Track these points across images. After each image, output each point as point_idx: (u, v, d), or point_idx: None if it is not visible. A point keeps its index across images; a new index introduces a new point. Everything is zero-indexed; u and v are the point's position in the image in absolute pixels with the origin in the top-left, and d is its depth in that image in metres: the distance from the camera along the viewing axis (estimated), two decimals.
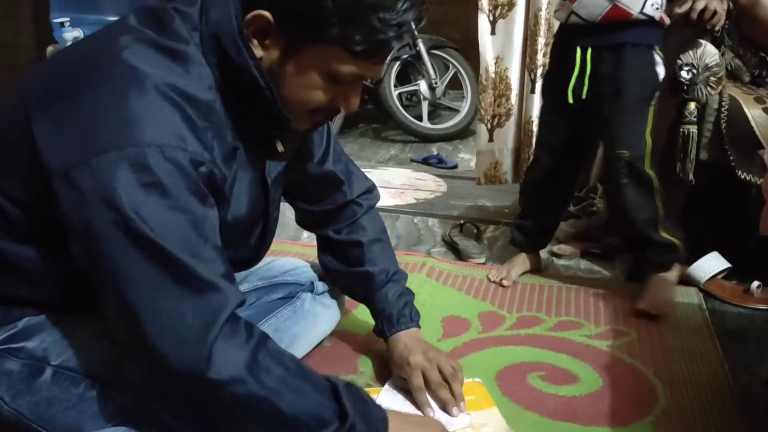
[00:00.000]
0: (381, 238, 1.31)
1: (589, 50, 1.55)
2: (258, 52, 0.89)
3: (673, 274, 1.65)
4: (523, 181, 1.89)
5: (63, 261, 0.89)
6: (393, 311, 1.26)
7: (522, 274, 1.83)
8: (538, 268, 1.86)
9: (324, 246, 1.32)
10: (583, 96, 1.58)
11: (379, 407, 0.96)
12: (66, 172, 0.80)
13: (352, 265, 1.29)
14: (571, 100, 1.59)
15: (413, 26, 0.89)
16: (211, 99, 0.88)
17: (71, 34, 2.91)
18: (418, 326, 1.28)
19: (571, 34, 1.58)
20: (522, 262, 1.83)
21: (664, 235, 1.62)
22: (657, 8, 1.50)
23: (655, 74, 1.55)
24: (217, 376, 0.80)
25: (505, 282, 1.78)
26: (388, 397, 1.22)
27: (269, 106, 0.92)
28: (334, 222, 1.29)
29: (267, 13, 0.86)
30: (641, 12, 1.48)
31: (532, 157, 1.87)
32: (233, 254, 1.07)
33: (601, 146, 1.85)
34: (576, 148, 1.71)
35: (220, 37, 0.89)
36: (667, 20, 1.54)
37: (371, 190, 1.32)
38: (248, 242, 1.10)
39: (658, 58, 1.54)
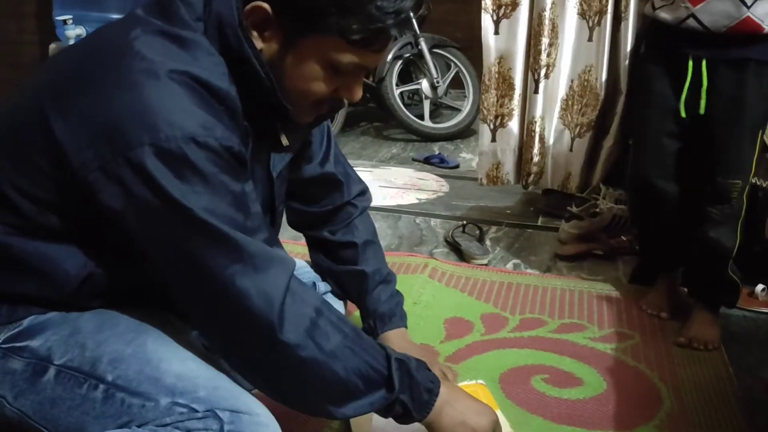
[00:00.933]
0: (373, 240, 1.35)
1: (704, 62, 1.38)
2: (258, 44, 0.89)
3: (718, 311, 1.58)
4: (640, 225, 1.69)
5: (72, 257, 0.89)
6: (385, 310, 1.29)
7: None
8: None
9: (316, 246, 1.34)
10: (701, 111, 1.41)
11: (429, 379, 0.98)
12: (102, 166, 0.81)
13: (345, 264, 1.32)
14: (683, 114, 1.42)
15: (413, 17, 0.89)
16: (225, 87, 0.88)
17: (74, 32, 2.91)
18: (406, 327, 1.32)
19: (680, 40, 1.39)
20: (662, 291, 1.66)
21: (731, 273, 1.52)
22: None
23: None
24: (287, 339, 0.85)
25: (663, 314, 1.62)
26: None
27: (270, 96, 0.92)
28: (330, 223, 1.31)
29: (266, 5, 0.87)
30: None
31: (636, 193, 1.64)
32: None
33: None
34: (691, 166, 1.49)
35: (222, 28, 0.89)
36: None
37: (365, 192, 1.35)
38: None
39: None
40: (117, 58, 0.86)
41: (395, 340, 1.25)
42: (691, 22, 1.35)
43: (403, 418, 0.97)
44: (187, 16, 0.90)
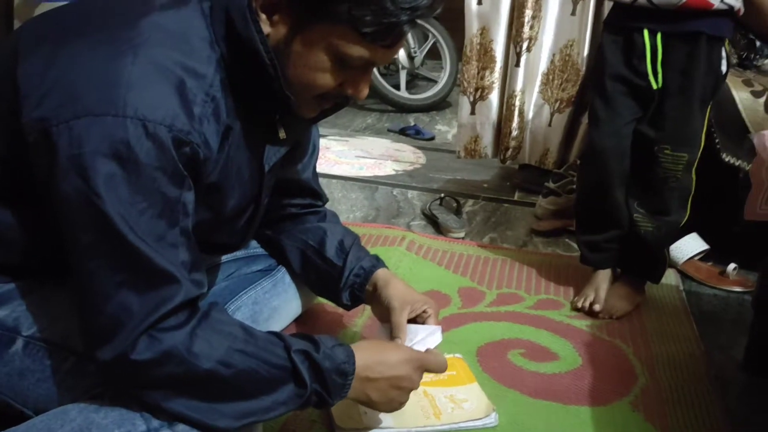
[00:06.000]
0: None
1: (659, 35, 1.41)
2: (266, 28, 0.86)
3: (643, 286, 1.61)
4: (581, 187, 1.65)
5: (39, 225, 0.85)
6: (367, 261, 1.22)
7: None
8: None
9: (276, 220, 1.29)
10: (658, 84, 1.43)
11: (341, 360, 0.91)
12: (45, 129, 0.77)
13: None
14: (655, 85, 1.44)
15: (427, 14, 0.85)
16: (211, 73, 0.85)
17: None
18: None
19: (637, 16, 1.42)
20: (604, 278, 1.60)
21: (666, 252, 1.56)
22: None
23: (720, 71, 1.44)
24: (140, 357, 0.78)
25: (596, 307, 1.54)
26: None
27: (272, 84, 0.88)
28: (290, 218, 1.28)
29: None
30: (722, 1, 1.35)
31: (585, 157, 1.62)
32: (218, 238, 1.04)
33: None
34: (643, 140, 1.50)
35: (229, 9, 0.85)
36: (742, 10, 1.41)
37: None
38: (235, 226, 1.06)
39: (724, 53, 1.43)
40: (111, 21, 0.83)
41: (395, 281, 1.18)
42: (642, 0, 1.39)
43: (321, 406, 0.92)
44: None
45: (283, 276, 1.30)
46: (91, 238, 0.78)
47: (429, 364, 1.00)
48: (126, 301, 0.78)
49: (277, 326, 1.29)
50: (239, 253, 1.30)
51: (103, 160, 0.75)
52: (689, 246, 1.77)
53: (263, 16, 0.85)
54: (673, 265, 1.75)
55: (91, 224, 0.77)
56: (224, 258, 1.29)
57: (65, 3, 0.92)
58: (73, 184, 0.76)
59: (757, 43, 1.80)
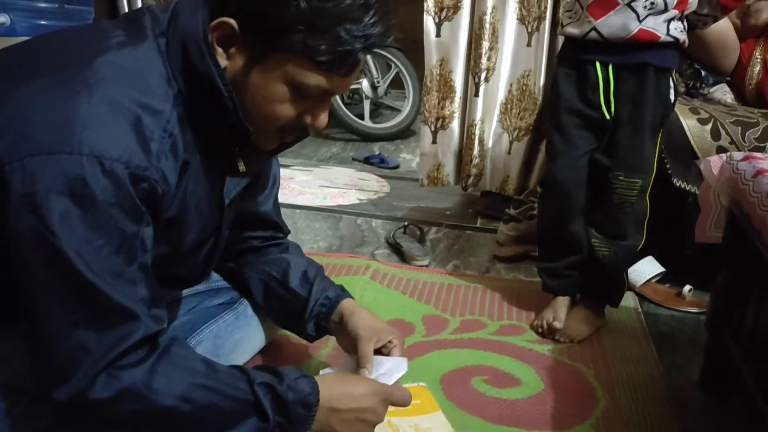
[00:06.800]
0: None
1: (610, 67, 1.46)
2: (222, 62, 0.87)
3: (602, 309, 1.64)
4: (541, 216, 1.68)
5: None
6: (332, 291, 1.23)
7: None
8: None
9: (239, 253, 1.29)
10: (611, 114, 1.48)
11: (305, 392, 0.92)
12: None
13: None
14: (608, 116, 1.48)
15: (380, 42, 0.88)
16: (168, 109, 0.86)
17: None
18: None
19: (588, 49, 1.47)
20: (563, 303, 1.63)
21: (625, 275, 1.60)
22: (681, 30, 1.44)
23: (669, 100, 1.49)
24: (99, 396, 0.78)
25: (557, 324, 1.57)
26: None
27: (230, 116, 0.89)
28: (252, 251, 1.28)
29: (232, 21, 0.85)
30: (668, 34, 1.41)
31: (545, 189, 1.66)
32: (178, 272, 1.04)
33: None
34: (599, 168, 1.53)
35: (185, 44, 0.86)
36: (687, 42, 1.47)
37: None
38: (195, 260, 1.06)
39: (672, 83, 1.49)
40: (67, 61, 0.84)
41: (361, 311, 1.19)
42: (593, 34, 1.44)
43: None
44: (150, 31, 0.88)
45: (245, 309, 1.30)
46: (46, 276, 0.77)
47: (393, 398, 1.01)
48: (84, 340, 0.78)
49: (240, 359, 1.28)
50: (200, 287, 1.30)
51: (57, 197, 0.75)
52: (646, 269, 1.81)
53: (219, 50, 0.87)
54: (631, 287, 1.79)
55: (46, 262, 0.77)
56: (185, 292, 1.28)
57: (21, 41, 0.93)
58: (26, 223, 0.76)
59: (702, 73, 1.88)
